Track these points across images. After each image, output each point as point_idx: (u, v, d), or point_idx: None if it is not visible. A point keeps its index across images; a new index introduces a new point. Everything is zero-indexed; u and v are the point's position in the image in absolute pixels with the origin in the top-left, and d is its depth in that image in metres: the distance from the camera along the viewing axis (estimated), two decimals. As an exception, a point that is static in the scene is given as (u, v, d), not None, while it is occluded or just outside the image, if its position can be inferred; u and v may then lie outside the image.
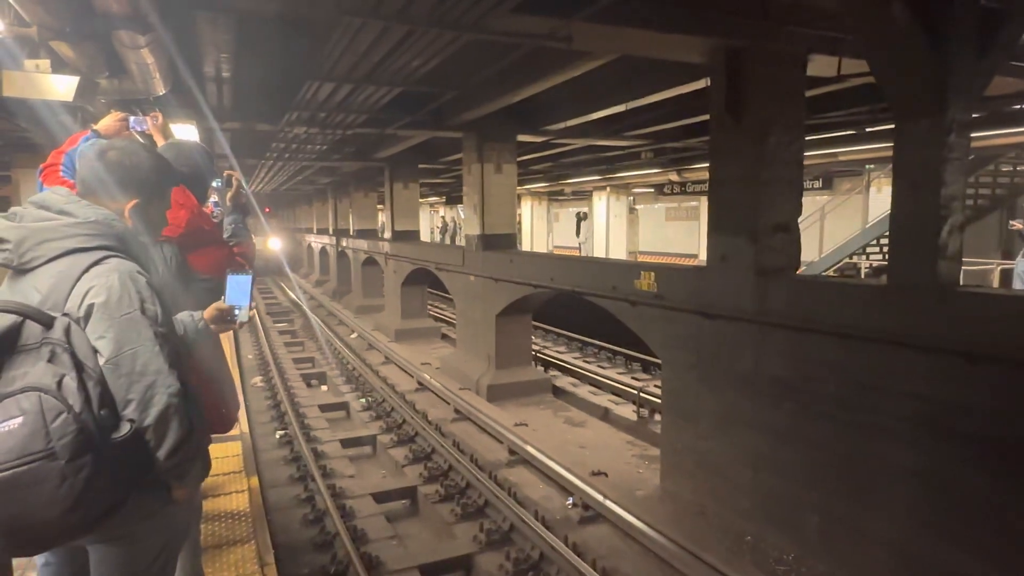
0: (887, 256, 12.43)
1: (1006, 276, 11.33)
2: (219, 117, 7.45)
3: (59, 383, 1.43)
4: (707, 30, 5.27)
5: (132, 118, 3.01)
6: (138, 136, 3.07)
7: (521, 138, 10.86)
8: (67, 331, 1.50)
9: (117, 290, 1.59)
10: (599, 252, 21.62)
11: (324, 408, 10.32)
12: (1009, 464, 3.91)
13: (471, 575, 5.75)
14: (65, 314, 1.55)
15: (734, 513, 5.88)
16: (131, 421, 1.55)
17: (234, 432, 5.07)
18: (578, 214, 23.58)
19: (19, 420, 1.39)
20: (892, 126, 9.10)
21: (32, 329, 1.49)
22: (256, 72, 5.96)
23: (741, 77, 5.67)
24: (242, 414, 5.38)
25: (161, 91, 4.94)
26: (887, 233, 13.31)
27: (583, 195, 24.55)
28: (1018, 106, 8.21)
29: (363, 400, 10.97)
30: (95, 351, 1.53)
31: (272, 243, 31.18)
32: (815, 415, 5.13)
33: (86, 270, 1.60)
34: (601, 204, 22.09)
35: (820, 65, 6.02)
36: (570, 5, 4.50)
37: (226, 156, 11.38)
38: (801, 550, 5.27)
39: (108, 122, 2.86)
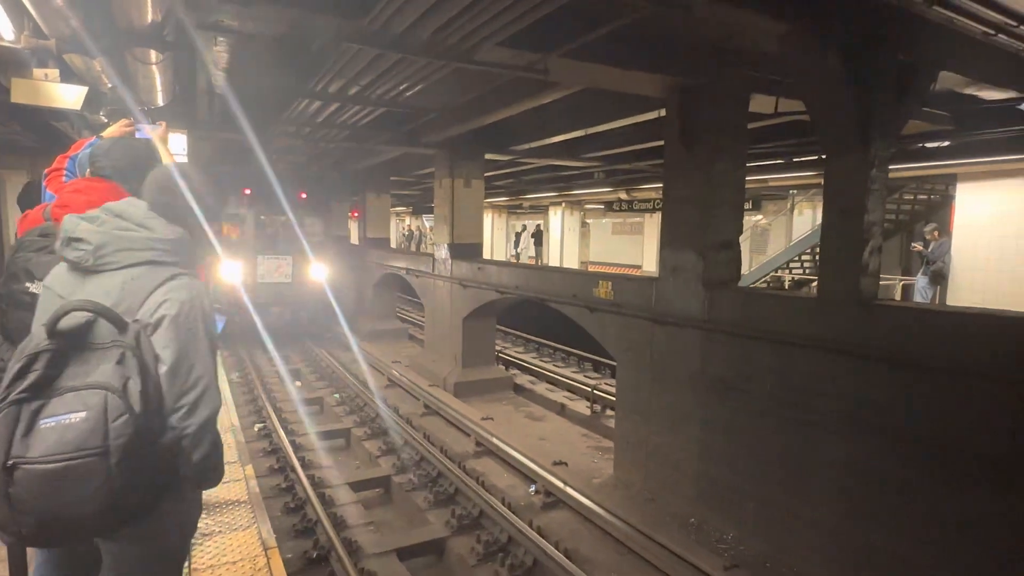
0: (816, 271, 13.05)
1: (907, 291, 12.03)
2: (209, 127, 7.26)
3: (124, 385, 1.41)
4: (665, 69, 5.45)
5: (138, 127, 2.95)
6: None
7: (489, 156, 10.93)
8: (138, 337, 1.48)
9: (188, 306, 1.59)
10: (554, 262, 21.84)
11: (301, 403, 10.11)
12: (923, 454, 4.17)
13: (444, 557, 5.75)
14: (136, 320, 1.53)
15: (681, 499, 6.06)
16: (174, 428, 1.54)
17: (227, 424, 4.98)
18: (518, 231, 24.20)
19: (82, 415, 1.36)
20: (814, 157, 9.61)
21: (103, 329, 1.47)
22: (249, 88, 5.84)
23: (693, 111, 5.89)
24: (229, 408, 5.25)
25: (161, 103, 4.80)
26: (807, 250, 13.91)
27: (540, 209, 24.78)
28: (920, 144, 8.74)
29: (337, 395, 10.80)
30: (157, 359, 1.51)
31: (315, 271, 14.49)
32: (754, 412, 5.34)
33: (163, 283, 1.59)
34: (556, 218, 22.37)
35: (760, 103, 6.31)
36: (548, 42, 4.59)
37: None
38: (740, 531, 5.48)
39: (115, 130, 2.79)
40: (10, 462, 1.33)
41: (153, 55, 3.51)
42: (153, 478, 1.51)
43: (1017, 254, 8.87)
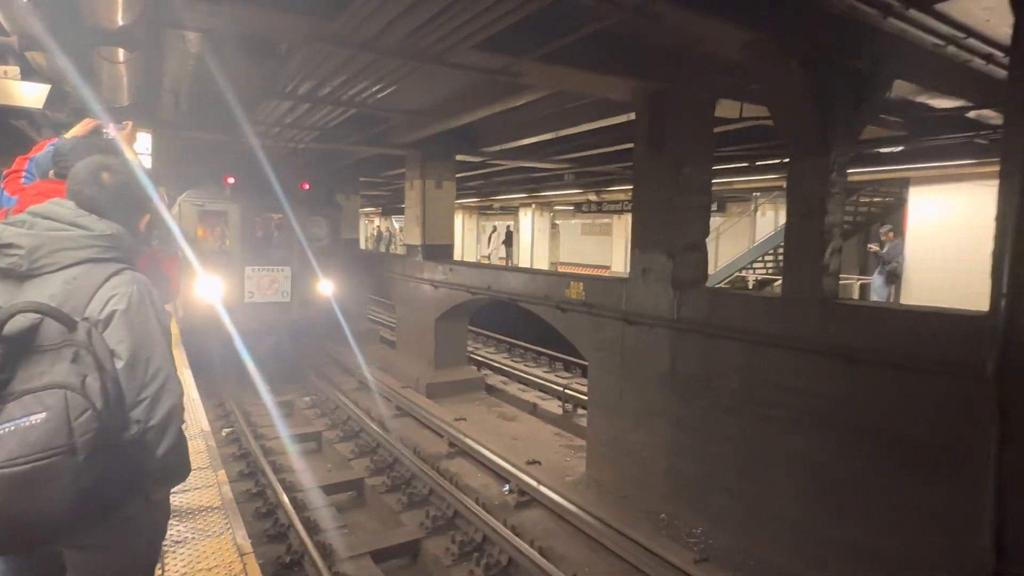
0: (778, 271, 13.41)
1: (863, 289, 12.47)
2: (175, 126, 7.09)
3: (83, 382, 1.39)
4: (635, 74, 5.55)
5: (104, 128, 2.88)
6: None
7: (460, 157, 10.93)
8: (89, 334, 1.46)
9: (136, 299, 1.59)
10: (524, 263, 21.92)
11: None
12: (878, 447, 4.34)
13: (420, 558, 5.73)
14: (85, 318, 1.51)
15: (652, 495, 6.17)
16: (137, 422, 1.53)
17: (197, 430, 4.87)
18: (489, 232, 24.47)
19: (42, 415, 1.34)
20: (777, 161, 9.88)
21: (50, 330, 1.44)
22: (215, 87, 5.73)
23: (662, 116, 6.01)
24: (201, 411, 5.14)
25: (126, 102, 4.67)
26: (770, 251, 14.27)
27: (510, 210, 24.86)
28: (875, 149, 9.07)
29: (307, 398, 10.64)
30: (112, 354, 1.50)
31: (321, 286, 11.38)
32: (722, 409, 5.48)
33: (107, 279, 1.58)
34: (527, 219, 22.46)
35: (726, 108, 6.47)
36: (522, 45, 4.63)
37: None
38: (709, 526, 5.61)
39: (80, 130, 2.72)
40: None
41: (121, 54, 3.43)
42: (121, 475, 1.50)
43: (966, 254, 9.27)
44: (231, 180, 10.50)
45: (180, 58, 4.84)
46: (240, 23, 3.85)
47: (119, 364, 1.51)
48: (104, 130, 2.84)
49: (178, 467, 1.70)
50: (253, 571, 2.93)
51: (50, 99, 3.56)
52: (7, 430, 1.33)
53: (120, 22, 2.93)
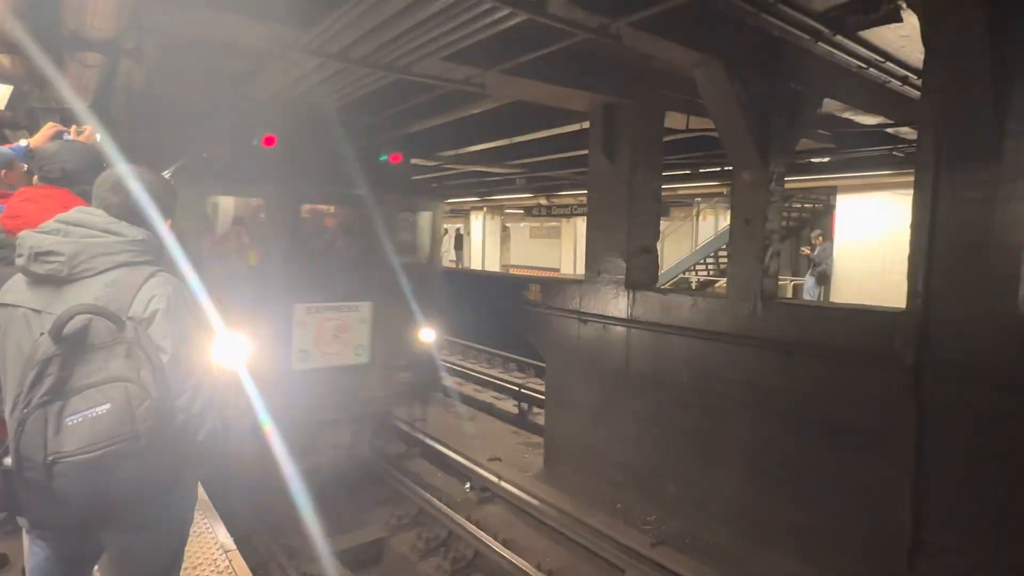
0: (719, 272, 14.08)
1: (797, 290, 13.28)
2: (130, 128, 6.87)
3: (139, 375, 1.52)
4: (592, 87, 5.84)
5: (64, 133, 2.89)
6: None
7: (415, 161, 10.99)
8: (136, 332, 1.58)
9: (175, 298, 1.71)
10: (476, 265, 22.07)
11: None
12: (814, 432, 4.76)
13: (386, 555, 5.81)
14: (130, 318, 1.62)
15: (609, 486, 6.46)
16: (183, 411, 1.66)
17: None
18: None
19: (107, 407, 1.46)
20: (718, 168, 10.43)
21: (100, 329, 1.54)
22: (176, 88, 5.65)
23: (615, 126, 6.34)
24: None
25: (87, 103, 4.57)
26: (711, 255, 14.90)
27: (461, 213, 24.93)
28: (806, 160, 9.75)
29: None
30: (159, 349, 1.62)
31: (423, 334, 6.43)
32: (673, 402, 5.83)
33: (145, 281, 1.69)
34: (478, 223, 22.61)
35: (673, 119, 6.86)
36: (487, 58, 4.83)
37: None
38: (662, 512, 5.94)
39: (44, 134, 2.75)
40: (49, 458, 1.42)
41: (91, 58, 3.40)
42: (172, 458, 1.63)
43: (888, 256, 10.06)
44: (270, 140, 5.68)
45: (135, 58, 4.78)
46: (216, 29, 3.88)
47: (164, 358, 1.63)
48: (66, 133, 2.86)
49: (212, 449, 1.83)
50: (239, 567, 3.00)
51: (12, 100, 3.49)
52: (76, 421, 1.46)
53: (103, 31, 2.93)
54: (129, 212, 1.81)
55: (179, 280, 1.78)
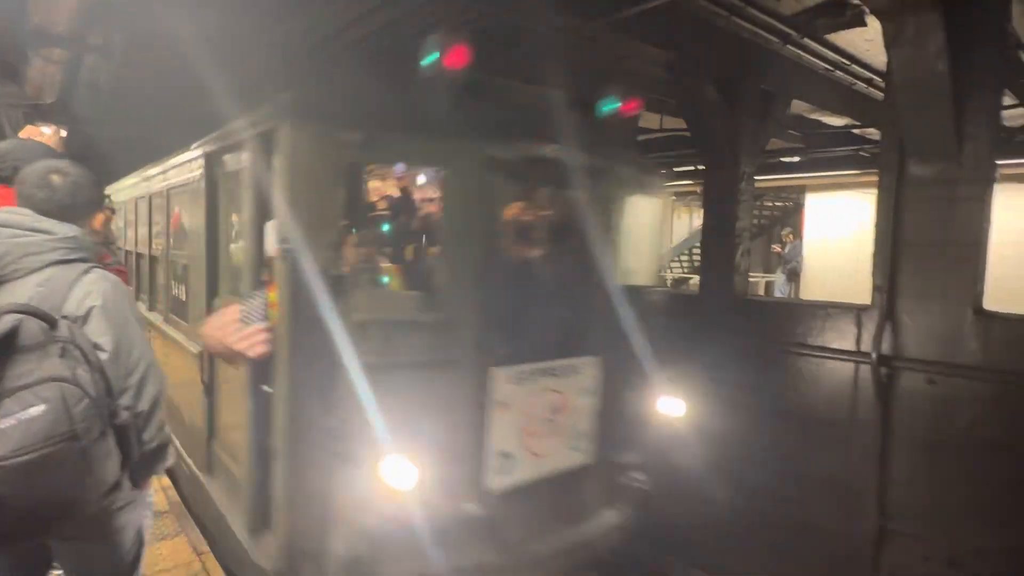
0: (693, 270, 14.27)
1: (768, 287, 13.54)
2: (94, 124, 6.69)
3: (75, 374, 1.48)
4: (567, 87, 5.86)
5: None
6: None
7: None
8: (71, 330, 1.54)
9: (111, 295, 1.68)
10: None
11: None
12: (786, 425, 4.86)
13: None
14: (64, 316, 1.58)
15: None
16: (127, 408, 1.63)
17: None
18: None
19: (42, 408, 1.41)
20: (692, 168, 10.58)
21: (31, 329, 1.49)
22: (146, 84, 5.51)
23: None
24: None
25: (51, 99, 4.44)
26: (685, 252, 15.08)
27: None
28: (776, 159, 9.95)
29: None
30: (95, 347, 1.58)
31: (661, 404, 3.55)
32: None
33: (78, 278, 1.66)
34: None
35: (647, 119, 6.94)
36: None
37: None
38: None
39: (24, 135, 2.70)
40: None
41: (57, 53, 3.30)
42: (116, 458, 1.59)
43: (854, 253, 10.32)
44: (458, 54, 2.79)
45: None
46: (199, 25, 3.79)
47: (103, 356, 1.60)
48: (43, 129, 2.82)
49: (162, 451, 1.80)
50: (212, 568, 2.97)
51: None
52: (9, 424, 1.40)
53: (71, 26, 2.85)
54: (56, 208, 1.76)
55: (113, 276, 1.74)
